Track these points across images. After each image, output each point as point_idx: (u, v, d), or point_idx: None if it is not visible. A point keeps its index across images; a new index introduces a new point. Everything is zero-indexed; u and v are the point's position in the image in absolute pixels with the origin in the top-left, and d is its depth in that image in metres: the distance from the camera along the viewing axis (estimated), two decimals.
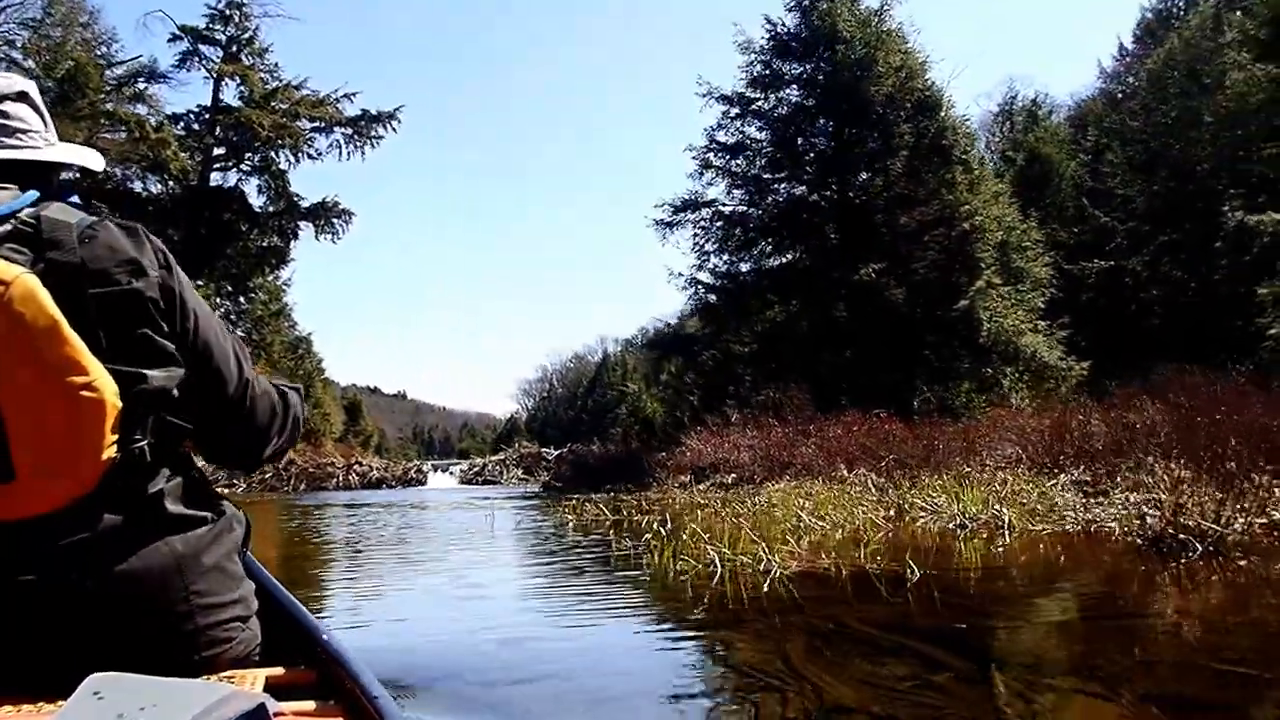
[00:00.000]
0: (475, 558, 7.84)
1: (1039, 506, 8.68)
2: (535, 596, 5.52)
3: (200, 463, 1.82)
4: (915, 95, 22.22)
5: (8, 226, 1.50)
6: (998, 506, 8.10)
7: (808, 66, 23.17)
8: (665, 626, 4.61)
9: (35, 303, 1.39)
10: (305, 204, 32.74)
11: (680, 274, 23.66)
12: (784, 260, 23.86)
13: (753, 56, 23.51)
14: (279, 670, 1.68)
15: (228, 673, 1.60)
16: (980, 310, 20.72)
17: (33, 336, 1.39)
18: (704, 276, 23.80)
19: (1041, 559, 6.41)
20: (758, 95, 23.62)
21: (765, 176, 23.55)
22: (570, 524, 10.09)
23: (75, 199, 1.71)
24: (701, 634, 4.27)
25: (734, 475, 15.83)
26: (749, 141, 23.70)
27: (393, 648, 3.91)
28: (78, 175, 1.91)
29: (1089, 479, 11.18)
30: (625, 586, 5.73)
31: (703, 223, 23.78)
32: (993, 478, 11.12)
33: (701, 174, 23.88)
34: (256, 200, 32.78)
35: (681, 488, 16.69)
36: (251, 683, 1.53)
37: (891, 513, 9.04)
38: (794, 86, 23.44)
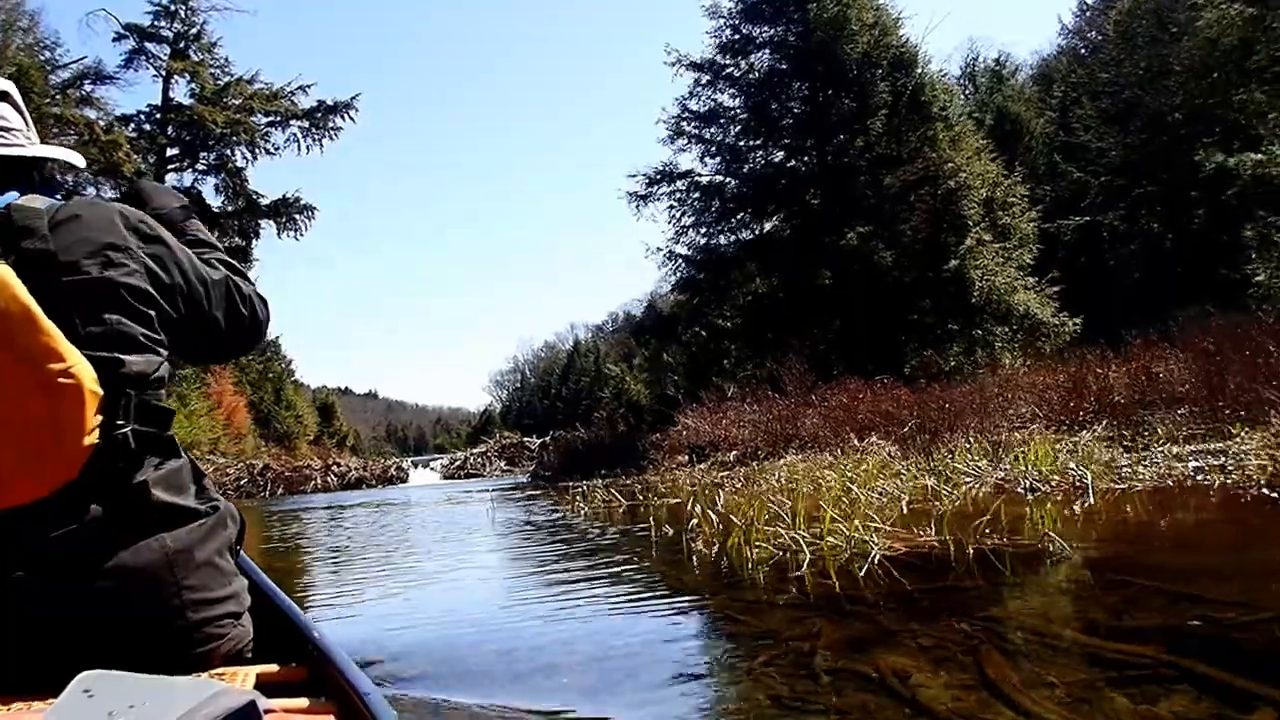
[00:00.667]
0: (495, 558, 6.95)
1: (1093, 465, 7.81)
2: (590, 603, 4.40)
3: (196, 458, 1.97)
4: (890, 52, 21.35)
5: None
6: (1072, 465, 7.21)
7: (778, 29, 22.19)
8: (793, 639, 3.16)
9: (8, 292, 1.37)
10: (265, 201, 31.52)
11: (658, 249, 22.73)
12: (764, 229, 22.96)
13: (721, 21, 22.55)
14: (271, 667, 1.66)
15: (219, 669, 1.58)
16: (971, 269, 19.91)
17: (7, 325, 1.37)
18: (682, 249, 22.87)
19: (1171, 520, 5.47)
20: (729, 61, 22.64)
21: (741, 144, 22.61)
22: (582, 514, 9.18)
23: (58, 198, 1.68)
24: (853, 655, 2.88)
25: (735, 452, 14.95)
26: (722, 109, 22.73)
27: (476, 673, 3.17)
28: (61, 174, 1.67)
29: (1115, 434, 10.43)
30: (691, 583, 4.70)
31: (679, 194, 22.85)
32: (1020, 438, 10.37)
33: (673, 141, 22.95)
34: (215, 200, 31.55)
35: (679, 468, 15.82)
36: (242, 680, 1.51)
37: (931, 480, 8.15)
38: (765, 50, 22.47)
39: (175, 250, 1.70)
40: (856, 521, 5.03)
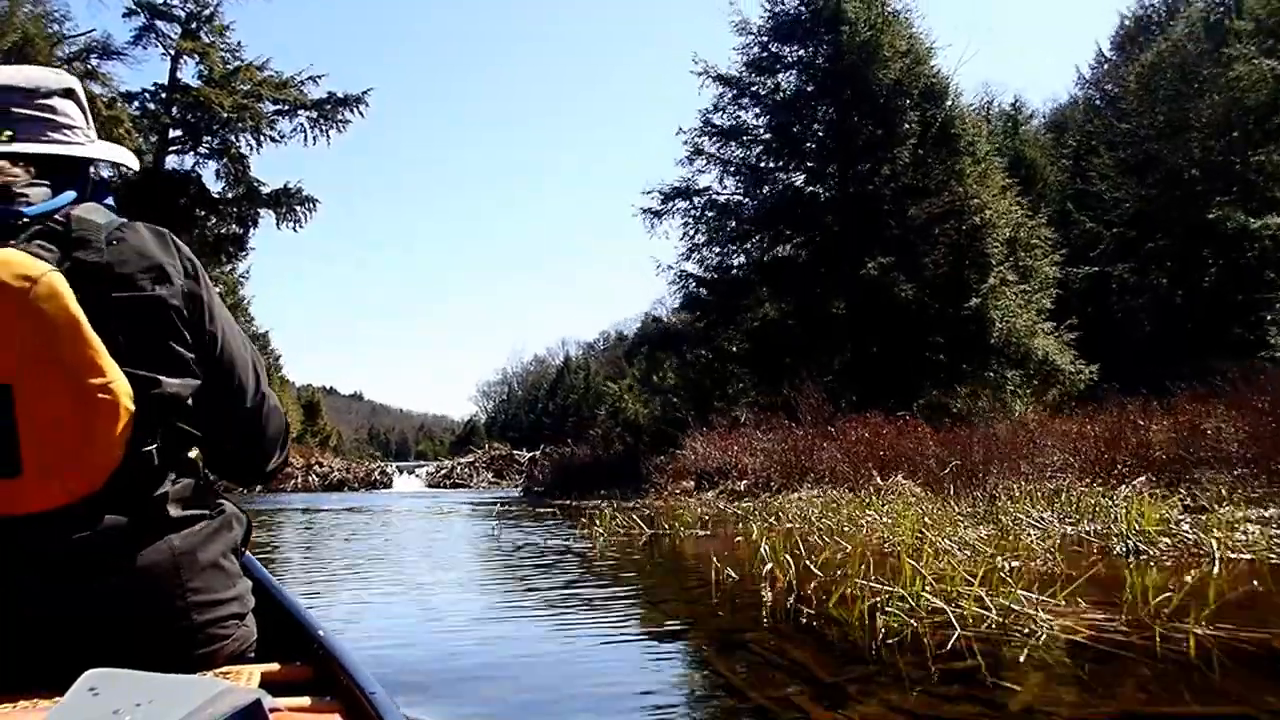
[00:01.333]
0: (532, 599, 5.64)
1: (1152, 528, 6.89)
2: (679, 684, 3.24)
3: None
4: (921, 82, 20.60)
5: (40, 225, 1.49)
6: (1185, 526, 6.32)
7: (808, 49, 21.43)
8: None
9: (59, 301, 1.38)
10: (266, 190, 30.47)
11: (669, 266, 21.85)
12: (779, 253, 22.11)
13: (750, 38, 21.77)
14: (275, 666, 1.64)
15: (224, 669, 1.57)
16: (993, 309, 19.12)
17: (53, 334, 1.38)
18: (692, 268, 22.01)
19: None
20: (755, 79, 21.84)
21: (762, 164, 21.78)
22: (599, 540, 8.20)
23: (110, 201, 1.72)
24: None
25: (745, 481, 14.04)
26: (745, 127, 21.91)
27: None
28: (114, 175, 1.21)
29: (1160, 491, 9.58)
30: (804, 661, 3.37)
31: (694, 212, 22.00)
32: (1053, 487, 9.56)
33: (692, 160, 22.12)
34: (215, 185, 30.47)
35: (685, 494, 14.90)
36: (248, 679, 1.49)
37: (991, 530, 7.24)
38: (793, 71, 21.70)
39: (210, 299, 1.66)
40: (984, 586, 4.02)
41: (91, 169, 1.77)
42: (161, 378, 1.52)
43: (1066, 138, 38.85)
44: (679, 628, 4.30)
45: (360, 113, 30.59)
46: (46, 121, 1.66)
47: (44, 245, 1.45)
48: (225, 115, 29.22)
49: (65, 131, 1.68)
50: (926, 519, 7.09)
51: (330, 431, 63.08)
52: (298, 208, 30.48)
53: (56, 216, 1.50)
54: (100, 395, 1.40)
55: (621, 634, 4.10)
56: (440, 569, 6.84)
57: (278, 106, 30.39)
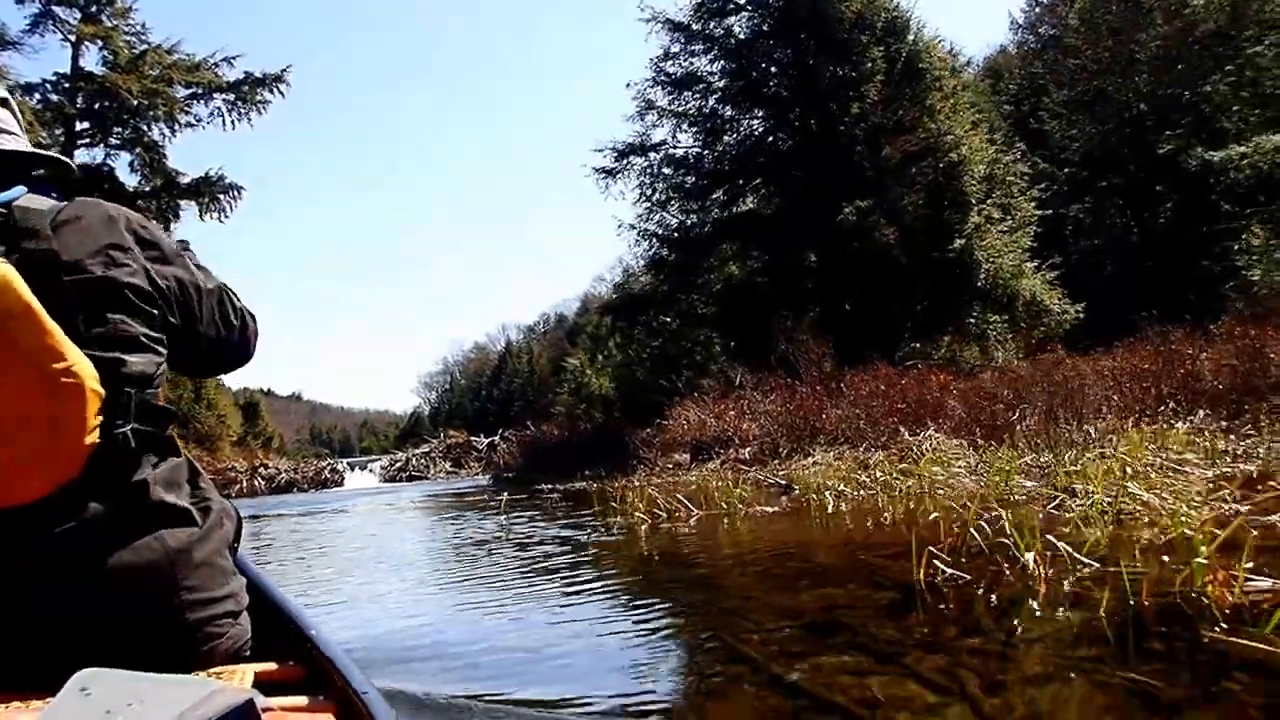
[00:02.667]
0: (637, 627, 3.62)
1: None
2: None
3: (193, 456, 1.76)
4: (883, 16, 18.97)
5: None
6: None
7: None
8: None
9: (11, 291, 1.35)
10: (186, 180, 28.08)
11: (631, 225, 20.05)
12: (742, 207, 20.43)
13: None
14: (269, 666, 1.62)
15: (217, 668, 1.56)
16: (977, 249, 17.66)
17: (9, 325, 1.35)
18: (653, 228, 20.22)
19: None
20: (706, 23, 20.01)
21: (719, 114, 19.98)
22: (641, 530, 6.36)
23: (54, 192, 1.70)
24: None
25: (749, 449, 12.40)
26: (699, 74, 20.09)
27: None
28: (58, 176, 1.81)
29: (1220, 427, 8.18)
30: None
31: (650, 168, 20.17)
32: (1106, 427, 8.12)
33: (644, 115, 20.25)
34: (130, 179, 28.03)
35: (678, 468, 13.24)
36: (241, 678, 1.49)
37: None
38: (746, 11, 19.91)
39: (170, 255, 1.71)
40: None
41: (33, 171, 1.71)
42: (125, 357, 1.51)
43: (1004, 83, 37.82)
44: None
45: (280, 92, 28.41)
46: None
47: None
48: (135, 102, 26.94)
49: (4, 137, 1.68)
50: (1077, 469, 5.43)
51: (273, 432, 60.28)
52: (221, 197, 28.26)
53: (0, 209, 1.49)
54: (65, 380, 1.38)
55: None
56: (469, 586, 4.86)
57: (191, 90, 28.03)
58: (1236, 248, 23.67)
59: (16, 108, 1.78)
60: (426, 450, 27.71)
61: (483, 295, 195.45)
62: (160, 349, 1.62)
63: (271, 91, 28.31)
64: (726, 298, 19.90)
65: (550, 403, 59.79)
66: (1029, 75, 35.67)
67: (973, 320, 18.62)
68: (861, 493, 7.17)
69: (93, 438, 1.43)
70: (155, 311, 1.61)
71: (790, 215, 19.10)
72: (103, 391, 1.44)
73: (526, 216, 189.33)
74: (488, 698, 2.57)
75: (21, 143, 1.73)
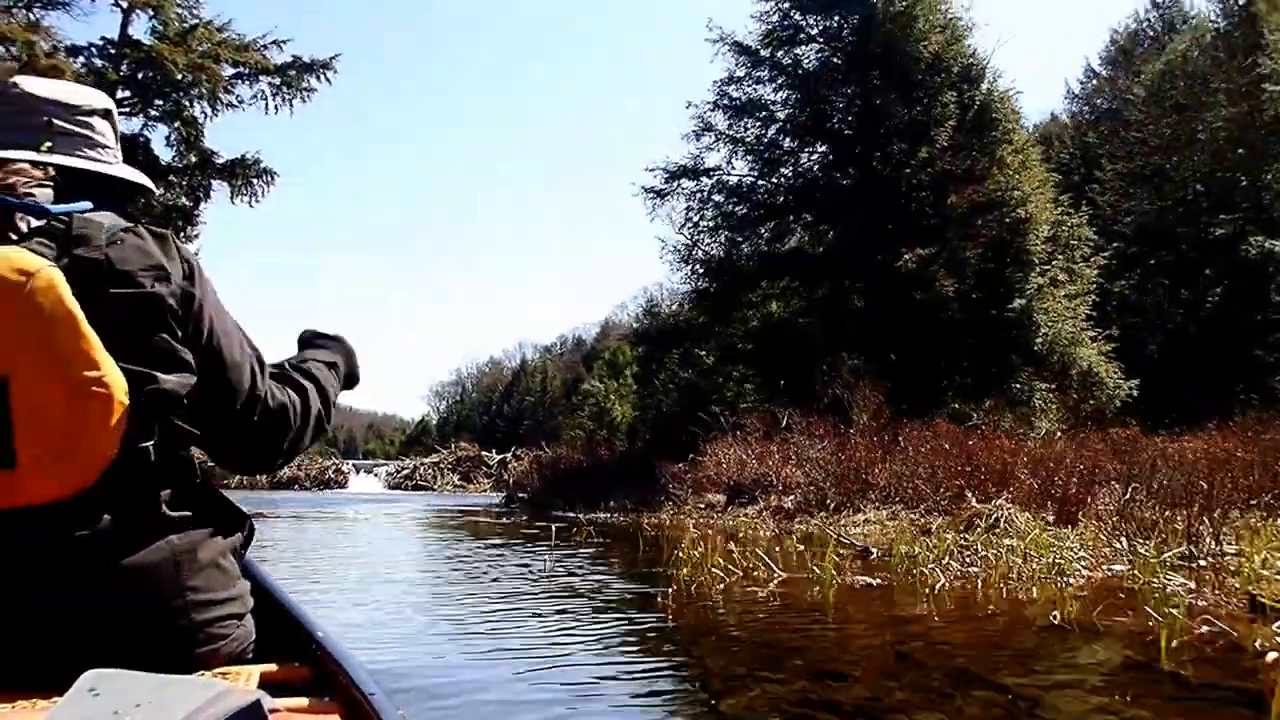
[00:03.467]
0: None
1: None
2: None
3: (199, 454, 1.72)
4: (959, 60, 18.08)
5: (42, 223, 1.49)
6: None
7: (834, 20, 18.71)
8: None
9: (55, 295, 1.36)
10: (220, 160, 27.20)
11: (675, 249, 19.08)
12: (791, 243, 19.44)
13: (770, 5, 18.96)
14: (274, 667, 1.60)
15: (223, 669, 1.53)
16: (1038, 311, 16.63)
17: (49, 328, 1.36)
18: (698, 255, 19.26)
19: None
20: (775, 50, 19.09)
21: (779, 144, 19.04)
22: (717, 596, 5.20)
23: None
24: None
25: (792, 498, 11.33)
26: (762, 102, 19.15)
27: None
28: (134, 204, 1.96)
29: None
30: None
31: (700, 193, 19.23)
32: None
33: (700, 136, 19.32)
34: (164, 153, 27.17)
35: (710, 509, 12.18)
36: (246, 679, 1.47)
37: None
38: (817, 43, 18.97)
39: (205, 302, 1.61)
40: None
41: (112, 190, 1.73)
42: (158, 374, 1.49)
43: (1054, 151, 36.97)
44: None
45: (327, 79, 27.51)
46: (83, 138, 1.69)
47: (43, 243, 1.45)
48: (179, 76, 26.02)
49: (99, 150, 1.71)
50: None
51: None
52: (254, 180, 27.25)
53: (61, 217, 1.50)
54: (94, 388, 1.38)
55: None
56: (537, 670, 3.48)
57: (237, 70, 27.21)
58: None
59: (118, 121, 1.81)
60: (435, 460, 26.59)
61: (503, 310, 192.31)
62: (194, 372, 1.56)
63: (318, 79, 27.48)
64: (766, 335, 18.89)
65: (560, 425, 58.84)
66: (1082, 145, 34.81)
67: (1018, 386, 17.53)
68: (956, 566, 6.08)
69: (113, 448, 1.41)
70: (188, 336, 1.56)
71: (843, 256, 18.14)
72: (128, 404, 1.42)
73: (557, 235, 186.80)
74: None
75: (110, 160, 1.74)
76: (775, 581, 5.44)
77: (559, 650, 3.73)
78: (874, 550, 6.98)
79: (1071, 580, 5.42)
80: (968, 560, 6.24)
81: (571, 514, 13.14)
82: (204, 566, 1.54)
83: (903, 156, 17.62)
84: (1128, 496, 9.08)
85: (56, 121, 1.65)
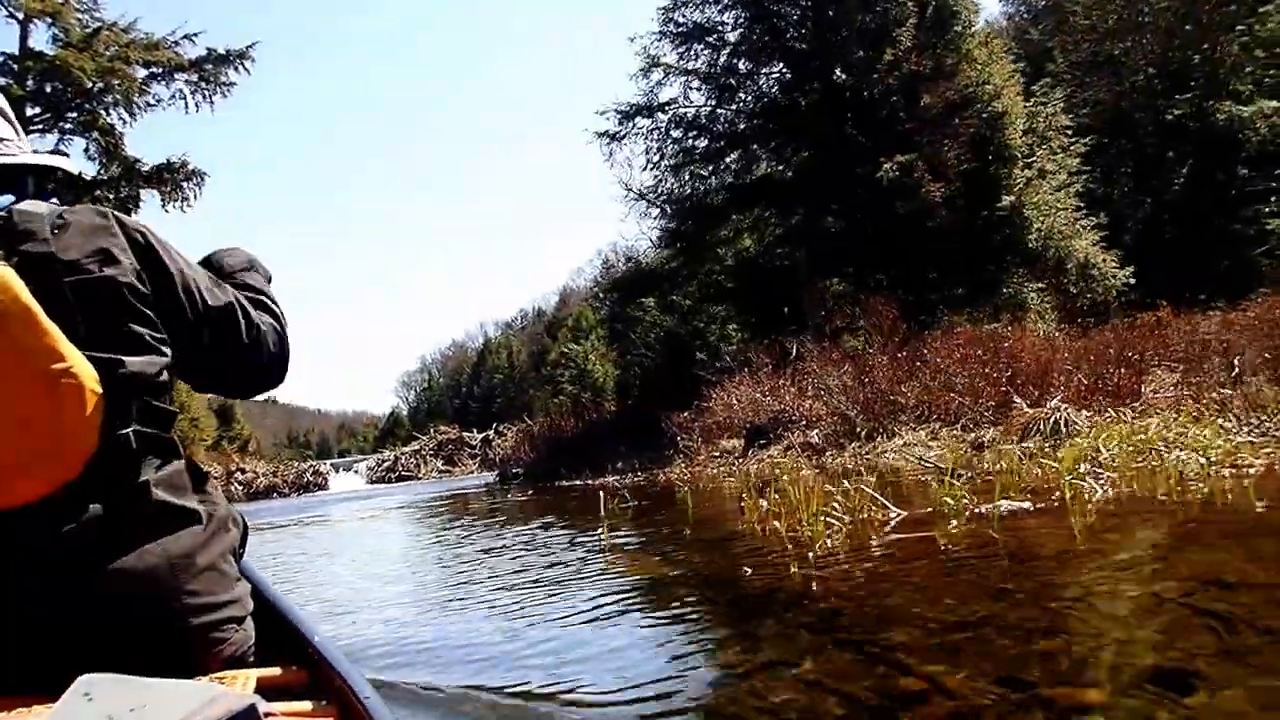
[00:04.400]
0: None
1: None
2: None
3: (198, 457, 1.37)
4: None
5: None
6: None
7: None
8: None
9: (9, 293, 1.32)
10: (146, 167, 25.57)
11: (637, 195, 17.90)
12: (759, 171, 18.30)
13: None
14: (272, 671, 1.56)
15: (220, 673, 1.48)
16: (1029, 207, 15.67)
17: (8, 326, 1.32)
18: (663, 196, 18.08)
19: None
20: None
21: (734, 67, 17.78)
22: (866, 553, 4.02)
23: (54, 200, 1.66)
24: None
25: (817, 431, 10.30)
26: (711, 25, 17.87)
27: None
28: (56, 182, 1.76)
29: None
30: None
31: (658, 131, 18.02)
32: None
33: (649, 73, 18.05)
34: (87, 166, 25.48)
35: (727, 455, 11.14)
36: (243, 683, 1.42)
37: None
38: None
39: (170, 264, 1.58)
40: None
41: (30, 176, 1.65)
42: (125, 358, 1.44)
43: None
44: None
45: (246, 69, 25.96)
46: None
47: None
48: (90, 84, 24.32)
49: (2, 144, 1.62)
50: None
51: (249, 435, 57.44)
52: (184, 184, 25.73)
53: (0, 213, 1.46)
54: (64, 380, 1.35)
55: None
56: None
57: (150, 70, 25.51)
58: (1267, 210, 22.01)
59: (10, 112, 1.69)
60: (416, 448, 25.28)
61: (460, 293, 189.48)
62: (164, 349, 1.52)
63: (236, 70, 25.92)
64: (744, 270, 17.84)
65: (532, 398, 57.52)
66: (1024, 44, 33.86)
67: (1008, 290, 16.59)
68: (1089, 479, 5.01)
69: (93, 439, 1.38)
70: (152, 314, 1.51)
71: (815, 176, 17.03)
72: (101, 392, 1.38)
73: (506, 211, 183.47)
74: None
75: (14, 151, 1.63)
76: (896, 521, 4.32)
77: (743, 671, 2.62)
78: (963, 471, 5.91)
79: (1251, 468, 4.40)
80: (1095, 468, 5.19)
81: (579, 481, 12.06)
82: (202, 569, 1.49)
83: (865, 63, 16.47)
84: (1196, 379, 8.17)
85: None
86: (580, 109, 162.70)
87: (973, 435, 8.89)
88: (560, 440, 16.20)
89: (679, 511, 6.46)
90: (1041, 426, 8.30)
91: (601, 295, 24.01)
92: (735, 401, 11.71)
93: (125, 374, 1.43)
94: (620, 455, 13.23)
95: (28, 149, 1.69)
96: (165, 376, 1.52)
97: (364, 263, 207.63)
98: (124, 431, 1.43)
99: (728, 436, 11.49)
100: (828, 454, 9.61)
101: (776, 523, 4.37)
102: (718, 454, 11.20)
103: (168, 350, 1.53)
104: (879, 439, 9.66)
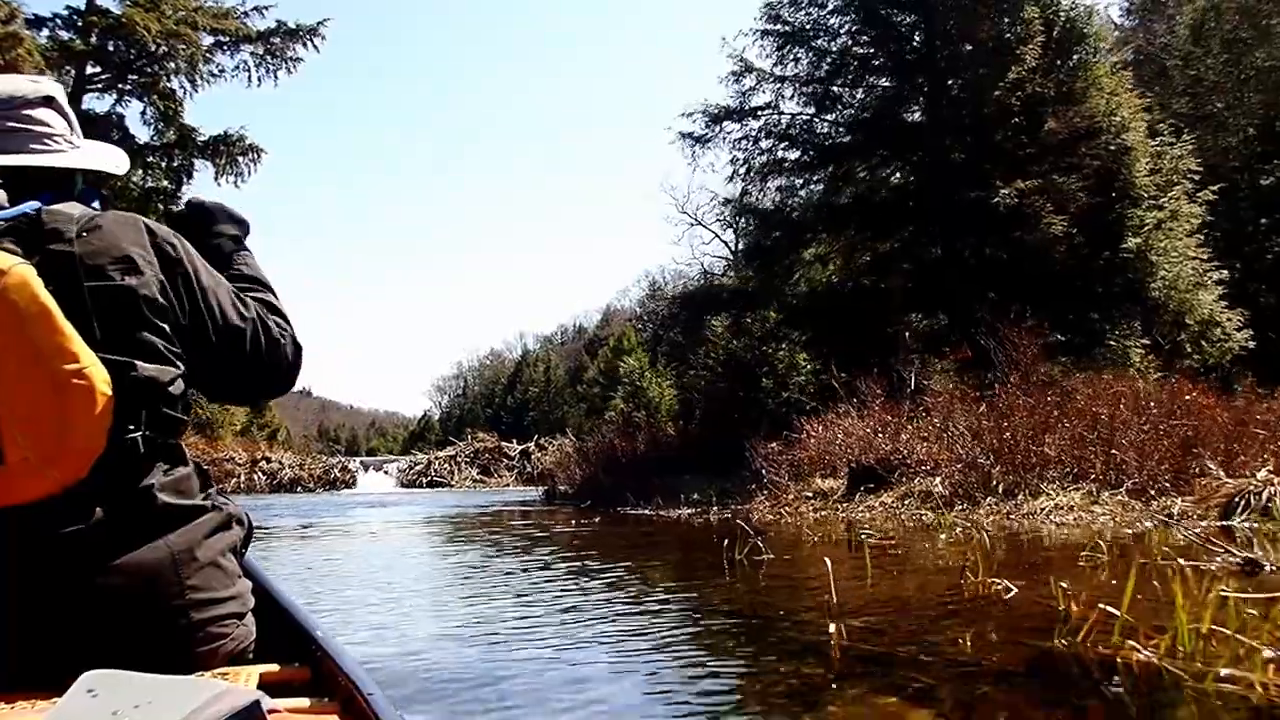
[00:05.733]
0: None
1: None
2: None
3: (189, 443, 1.68)
4: None
5: (4, 224, 1.43)
6: None
7: None
8: None
9: (28, 291, 1.32)
10: (202, 137, 24.30)
11: (727, 200, 16.33)
12: (858, 189, 16.64)
13: None
14: (274, 667, 1.54)
15: (222, 669, 1.47)
16: (1155, 252, 13.90)
17: (24, 324, 1.31)
18: (748, 206, 16.48)
19: None
20: None
21: (839, 73, 16.13)
22: None
23: (96, 203, 1.66)
24: None
25: (942, 478, 8.58)
26: (817, 27, 16.26)
27: None
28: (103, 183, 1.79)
29: None
30: None
31: (748, 138, 16.42)
32: None
33: (740, 78, 16.51)
34: (141, 131, 24.31)
35: (826, 499, 9.45)
36: (246, 679, 1.40)
37: None
38: None
39: (195, 279, 1.58)
40: None
41: (78, 175, 1.67)
42: (139, 363, 1.43)
43: None
44: None
45: (315, 46, 24.65)
46: (25, 132, 1.61)
47: (13, 242, 1.40)
48: (153, 45, 23.08)
49: (45, 140, 1.62)
50: None
51: (279, 424, 56.13)
52: (240, 158, 24.44)
53: (28, 214, 1.44)
54: (75, 381, 1.33)
55: None
56: None
57: (216, 38, 24.27)
58: None
59: (65, 105, 1.68)
60: (451, 454, 23.67)
61: (502, 300, 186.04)
62: (179, 361, 1.51)
63: (305, 46, 24.62)
64: (826, 296, 16.18)
65: (566, 415, 55.84)
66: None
67: (1114, 341, 14.75)
68: None
69: (101, 440, 1.36)
70: (169, 326, 1.50)
71: (916, 200, 15.38)
72: (112, 395, 1.36)
73: (555, 222, 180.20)
74: None
75: (64, 147, 1.64)
76: None
77: None
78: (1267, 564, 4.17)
79: None
80: None
81: (648, 511, 10.43)
82: (204, 565, 1.47)
83: (984, 81, 14.78)
84: None
85: None
86: (637, 123, 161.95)
87: (1153, 504, 7.15)
88: (616, 460, 14.52)
89: (852, 577, 4.73)
90: (1250, 500, 6.59)
91: (667, 311, 22.25)
92: (839, 436, 9.99)
93: (137, 378, 1.41)
94: (687, 484, 11.58)
95: (80, 145, 1.68)
96: (177, 386, 1.50)
97: (406, 262, 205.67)
98: (132, 435, 1.40)
99: (822, 474, 9.80)
100: (958, 508, 7.89)
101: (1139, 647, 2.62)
102: (810, 494, 9.50)
103: (181, 362, 1.52)
104: (1020, 495, 7.94)
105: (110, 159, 1.75)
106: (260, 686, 1.32)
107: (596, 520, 9.46)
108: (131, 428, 1.41)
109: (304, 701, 1.39)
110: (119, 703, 1.03)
